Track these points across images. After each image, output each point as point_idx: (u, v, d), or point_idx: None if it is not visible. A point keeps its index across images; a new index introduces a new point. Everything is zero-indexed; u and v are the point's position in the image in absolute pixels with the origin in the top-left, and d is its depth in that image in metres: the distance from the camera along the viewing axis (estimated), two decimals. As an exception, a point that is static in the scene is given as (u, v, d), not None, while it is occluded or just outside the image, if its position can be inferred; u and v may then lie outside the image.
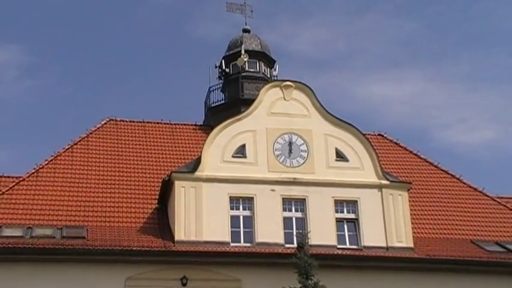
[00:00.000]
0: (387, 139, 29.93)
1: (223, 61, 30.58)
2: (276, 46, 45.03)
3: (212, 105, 29.79)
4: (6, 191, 23.37)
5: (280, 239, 22.16)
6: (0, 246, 20.41)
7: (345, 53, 63.33)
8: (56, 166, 24.97)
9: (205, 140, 23.43)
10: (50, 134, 53.52)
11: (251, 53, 30.19)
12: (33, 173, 24.41)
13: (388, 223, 22.92)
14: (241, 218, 22.43)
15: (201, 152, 23.06)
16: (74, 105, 57.32)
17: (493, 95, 61.05)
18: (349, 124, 24.23)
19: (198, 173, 22.47)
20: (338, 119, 24.26)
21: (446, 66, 62.06)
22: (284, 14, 61.81)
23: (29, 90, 60.16)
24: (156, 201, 23.95)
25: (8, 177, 25.08)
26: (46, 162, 25.06)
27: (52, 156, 25.42)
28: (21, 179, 24.10)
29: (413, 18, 64.39)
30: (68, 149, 25.96)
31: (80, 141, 26.52)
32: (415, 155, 29.17)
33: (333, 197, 22.97)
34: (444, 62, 62.16)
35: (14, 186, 23.65)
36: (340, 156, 23.73)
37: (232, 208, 22.43)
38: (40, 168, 24.69)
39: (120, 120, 28.48)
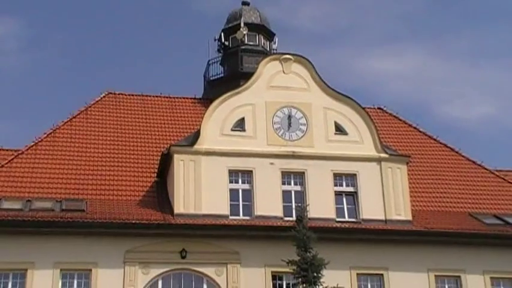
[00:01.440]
0: (387, 113, 29.89)
1: (222, 34, 30.41)
2: (276, 21, 44.75)
3: (211, 79, 29.70)
4: (5, 163, 23.37)
5: (279, 212, 22.22)
6: (0, 219, 20.43)
7: (345, 28, 63.07)
8: (55, 139, 24.96)
9: (204, 114, 23.38)
10: (49, 107, 53.46)
11: (250, 26, 30.02)
12: (32, 146, 24.40)
13: (386, 196, 22.96)
14: (240, 191, 22.46)
15: (200, 125, 23.03)
16: (73, 78, 57.23)
17: (494, 70, 60.93)
18: (349, 97, 24.16)
19: (197, 147, 22.47)
20: (338, 92, 24.19)
21: (447, 41, 61.80)
22: (285, -13, 61.36)
23: (28, 63, 60.01)
24: (155, 174, 23.98)
25: (7, 150, 25.09)
26: (45, 135, 25.04)
27: (51, 129, 25.40)
28: (20, 151, 24.09)
29: (415, -8, 63.91)
30: (67, 122, 25.93)
31: (79, 114, 26.49)
32: (415, 128, 29.15)
33: (332, 170, 22.99)
34: (445, 37, 61.94)
35: (13, 159, 23.65)
36: (339, 129, 23.70)
37: (231, 181, 22.45)
38: (39, 141, 24.68)
39: (119, 94, 28.43)
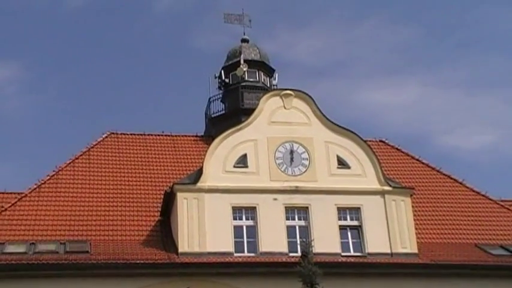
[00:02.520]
0: (388, 145, 29.90)
1: (222, 71, 30.61)
2: (275, 55, 45.14)
3: (212, 116, 29.81)
4: (9, 207, 23.35)
5: (284, 248, 22.11)
6: (4, 263, 20.34)
7: (343, 60, 63.50)
8: (57, 181, 24.97)
9: (206, 151, 23.41)
10: (51, 149, 53.62)
11: (250, 63, 30.22)
12: (35, 188, 24.40)
13: (391, 229, 22.85)
14: (244, 228, 22.38)
15: (202, 163, 23.04)
16: (75, 119, 57.39)
17: (492, 99, 61.12)
18: (350, 131, 24.21)
19: (200, 184, 22.45)
20: (339, 126, 24.24)
21: (444, 71, 62.19)
22: (282, 23, 62.05)
23: (29, 105, 60.34)
24: (159, 213, 23.91)
25: (10, 193, 25.06)
26: (48, 177, 25.06)
27: (54, 171, 25.43)
28: (23, 194, 24.09)
29: (410, 24, 64.62)
30: (70, 163, 25.96)
31: (81, 155, 26.53)
32: (417, 160, 29.12)
33: (335, 204, 22.93)
34: (442, 68, 62.29)
35: (16, 202, 23.64)
36: (341, 163, 23.70)
37: (235, 218, 22.39)
38: (42, 183, 24.69)
39: (121, 134, 28.51)
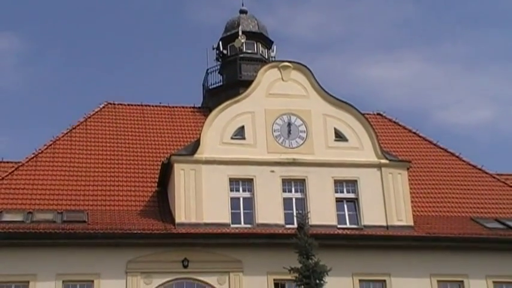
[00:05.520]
0: (386, 118, 29.89)
1: (220, 43, 30.43)
2: (274, 30, 44.85)
3: (210, 87, 29.71)
4: (6, 176, 23.37)
5: (281, 220, 22.21)
6: (1, 231, 20.43)
7: (342, 36, 63.18)
8: (55, 151, 24.96)
9: (204, 122, 23.39)
10: (49, 119, 53.42)
11: (248, 34, 30.04)
12: (32, 158, 24.40)
13: (388, 202, 22.95)
14: (241, 199, 22.46)
15: (200, 134, 23.04)
16: (72, 89, 57.32)
17: (491, 75, 60.99)
18: (348, 104, 24.18)
19: (197, 156, 22.47)
20: (336, 99, 24.20)
21: (443, 47, 61.94)
22: (281, -3, 61.52)
23: (27, 76, 60.10)
24: (156, 184, 23.96)
25: (7, 162, 25.09)
26: (45, 147, 25.05)
27: (51, 141, 25.40)
28: (20, 164, 24.09)
29: (410, 0, 64.18)
30: (67, 133, 25.93)
31: (78, 125, 26.49)
32: (414, 133, 29.15)
33: (332, 177, 22.99)
34: (441, 43, 62.07)
35: (13, 171, 23.65)
36: (339, 136, 23.71)
37: (232, 190, 22.45)
38: (39, 153, 24.69)
39: (119, 104, 28.44)
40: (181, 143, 25.86)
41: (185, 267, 21.08)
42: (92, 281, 20.60)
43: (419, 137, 28.96)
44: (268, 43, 30.86)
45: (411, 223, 22.92)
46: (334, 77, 55.02)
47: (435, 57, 61.50)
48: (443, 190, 25.94)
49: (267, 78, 24.13)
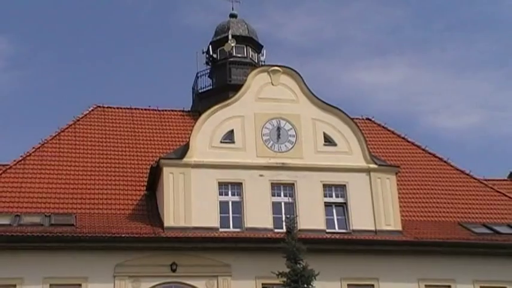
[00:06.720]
0: (375, 123, 29.98)
1: (210, 47, 30.45)
2: (265, 34, 44.89)
3: (200, 91, 29.70)
4: (-7, 179, 23.22)
5: (269, 224, 22.20)
6: (-12, 234, 20.29)
7: (332, 41, 63.36)
8: (43, 153, 24.85)
9: (193, 126, 23.37)
10: (37, 122, 53.25)
11: (238, 38, 30.07)
12: (20, 160, 24.28)
13: (376, 207, 23.00)
14: (230, 203, 22.43)
15: (189, 138, 23.01)
16: (61, 92, 57.04)
17: (479, 80, 61.34)
18: (337, 108, 24.23)
19: (186, 159, 22.44)
20: (326, 103, 24.25)
21: (432, 52, 62.24)
22: (271, 2, 61.65)
23: (16, 79, 59.77)
24: (145, 187, 23.90)
25: (-5, 164, 24.91)
26: (33, 149, 24.93)
27: (39, 143, 25.29)
28: (8, 166, 23.97)
29: (399, 5, 64.51)
30: (55, 136, 25.83)
31: (67, 128, 26.40)
32: (403, 138, 29.25)
33: (321, 181, 23.01)
34: (430, 49, 62.35)
35: (1, 174, 23.51)
36: (328, 140, 23.75)
37: (221, 194, 22.43)
38: (27, 155, 24.57)
39: (107, 107, 28.36)
40: (171, 147, 25.81)
41: (173, 271, 21.02)
42: (80, 285, 20.49)
43: (408, 142, 29.08)
44: (258, 47, 30.90)
45: (399, 228, 22.98)
46: (324, 81, 55.13)
47: (424, 63, 61.89)
48: (431, 195, 26.03)
49: (256, 82, 24.16)
